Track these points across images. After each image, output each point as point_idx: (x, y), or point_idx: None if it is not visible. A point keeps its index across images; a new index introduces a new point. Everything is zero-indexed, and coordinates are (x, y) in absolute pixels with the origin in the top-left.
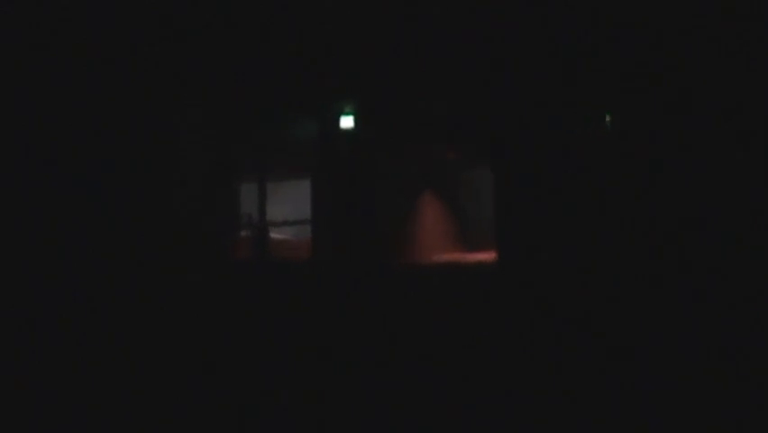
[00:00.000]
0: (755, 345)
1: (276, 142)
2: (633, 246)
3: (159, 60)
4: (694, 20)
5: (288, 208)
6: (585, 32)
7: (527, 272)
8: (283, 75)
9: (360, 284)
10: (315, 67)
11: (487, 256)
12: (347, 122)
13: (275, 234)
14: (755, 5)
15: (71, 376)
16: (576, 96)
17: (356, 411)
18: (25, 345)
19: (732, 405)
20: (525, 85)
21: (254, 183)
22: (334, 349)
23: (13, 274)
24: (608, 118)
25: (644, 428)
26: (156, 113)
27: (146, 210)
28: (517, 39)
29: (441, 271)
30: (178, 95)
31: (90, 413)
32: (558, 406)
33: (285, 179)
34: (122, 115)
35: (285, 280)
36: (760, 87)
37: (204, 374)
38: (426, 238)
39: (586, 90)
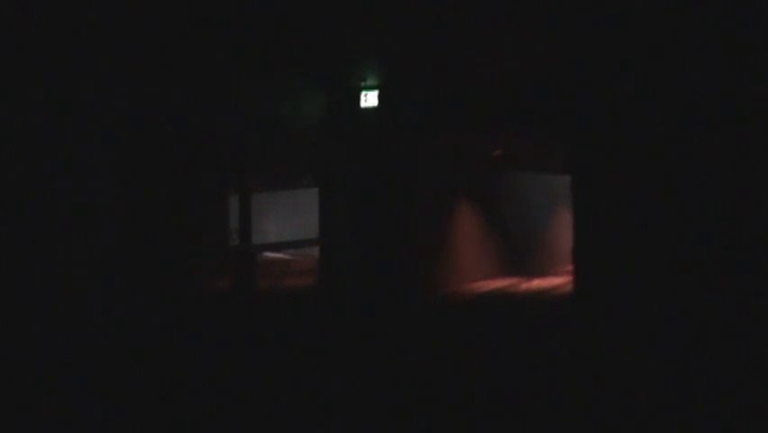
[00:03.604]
0: None
1: (268, 129)
2: None
3: None
4: None
5: (288, 224)
6: None
7: (622, 308)
8: (281, 30)
9: (397, 332)
10: (327, 19)
11: (547, 284)
12: (370, 99)
13: (268, 253)
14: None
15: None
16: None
17: None
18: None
19: None
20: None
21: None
22: None
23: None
24: None
25: None
26: None
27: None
28: None
29: (500, 306)
30: None
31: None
32: None
33: (281, 186)
34: None
35: (272, 324)
36: None
37: None
38: (468, 261)
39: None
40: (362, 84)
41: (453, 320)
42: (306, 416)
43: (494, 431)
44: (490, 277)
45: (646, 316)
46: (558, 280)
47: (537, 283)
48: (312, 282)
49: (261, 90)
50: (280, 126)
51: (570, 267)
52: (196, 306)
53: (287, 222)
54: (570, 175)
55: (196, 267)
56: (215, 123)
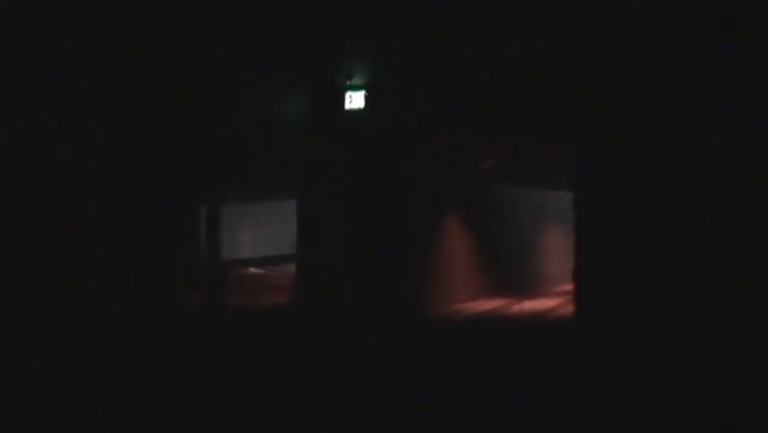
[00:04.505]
0: None
1: (244, 134)
2: None
3: None
4: None
5: (262, 237)
6: None
7: (627, 334)
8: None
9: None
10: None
11: (540, 306)
12: (355, 100)
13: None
14: None
15: None
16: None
17: None
18: None
19: None
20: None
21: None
22: None
23: None
24: None
25: None
26: None
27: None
28: None
29: (496, 333)
30: None
31: None
32: None
33: (256, 198)
34: None
35: (239, 347)
36: None
37: None
38: (453, 279)
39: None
40: (348, 83)
41: (448, 349)
42: None
43: None
44: (478, 297)
45: (651, 337)
46: (551, 302)
47: (529, 305)
48: (289, 299)
49: (244, 92)
50: (260, 131)
51: (561, 287)
52: (157, 322)
53: (261, 233)
54: (571, 181)
55: (163, 281)
56: (186, 127)
